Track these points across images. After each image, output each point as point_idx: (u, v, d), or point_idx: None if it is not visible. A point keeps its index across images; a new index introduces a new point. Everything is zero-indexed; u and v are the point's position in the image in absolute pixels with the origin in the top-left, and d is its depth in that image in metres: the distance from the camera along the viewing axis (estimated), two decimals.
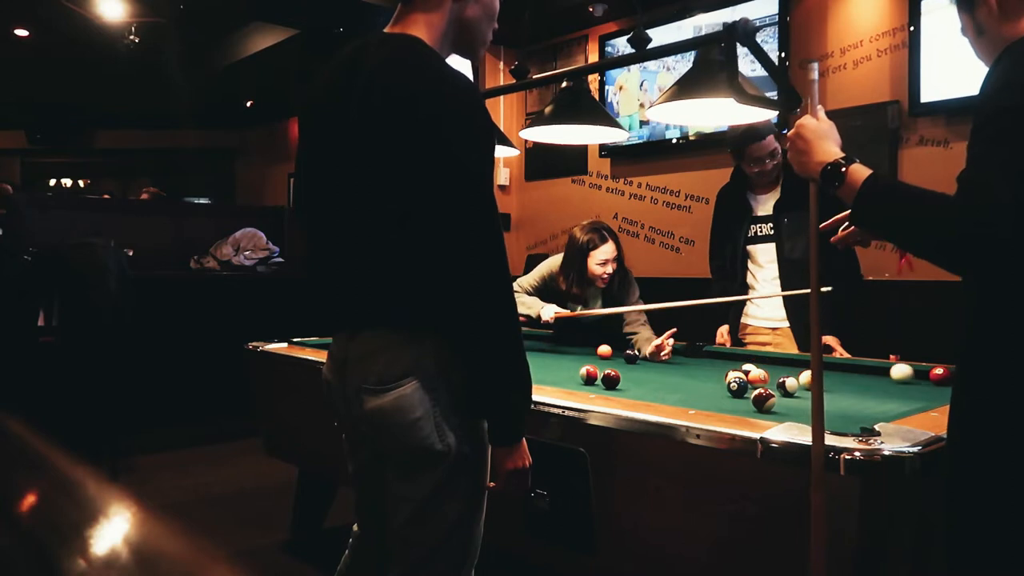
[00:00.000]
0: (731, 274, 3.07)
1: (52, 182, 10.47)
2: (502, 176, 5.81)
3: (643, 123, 4.96)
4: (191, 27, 5.95)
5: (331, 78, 1.46)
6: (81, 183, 10.62)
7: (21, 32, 6.39)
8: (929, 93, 3.60)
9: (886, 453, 1.31)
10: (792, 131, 1.39)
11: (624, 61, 4.03)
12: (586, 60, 5.28)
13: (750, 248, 3.02)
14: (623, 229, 4.98)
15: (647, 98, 4.89)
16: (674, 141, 4.78)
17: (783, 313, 2.97)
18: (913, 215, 1.19)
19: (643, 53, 2.45)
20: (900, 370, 2.29)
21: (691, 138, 4.69)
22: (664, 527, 1.60)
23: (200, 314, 4.94)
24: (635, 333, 2.95)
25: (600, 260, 2.95)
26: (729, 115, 2.46)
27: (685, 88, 2.31)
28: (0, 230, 4.19)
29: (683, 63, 4.48)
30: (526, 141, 4.82)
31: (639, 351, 2.83)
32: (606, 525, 1.70)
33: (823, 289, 2.63)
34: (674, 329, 2.81)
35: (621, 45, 4.96)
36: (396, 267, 1.36)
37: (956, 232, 1.12)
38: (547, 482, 1.76)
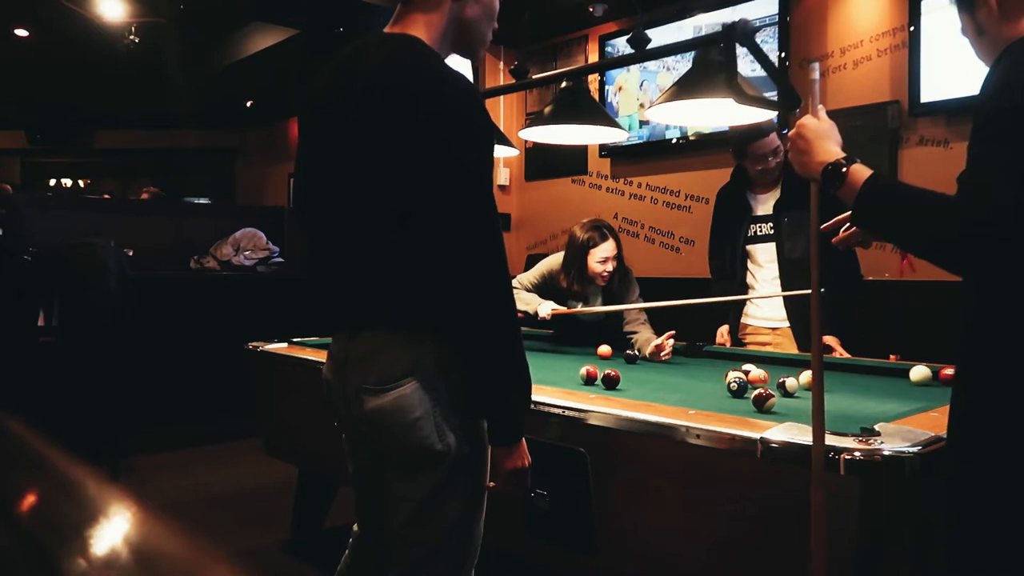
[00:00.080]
0: (731, 274, 3.07)
1: (52, 182, 10.47)
2: (502, 176, 5.81)
3: (643, 123, 4.96)
4: (191, 27, 5.95)
5: (331, 78, 1.46)
6: (81, 183, 10.62)
7: (21, 32, 6.39)
8: (929, 93, 3.60)
9: (886, 453, 1.31)
10: (793, 131, 1.39)
11: (624, 61, 4.03)
12: (586, 60, 5.28)
13: (750, 248, 3.02)
14: (623, 229, 4.98)
15: (647, 98, 4.89)
16: (674, 141, 4.78)
17: (783, 313, 2.97)
18: (913, 215, 1.19)
19: (643, 53, 2.45)
20: (919, 372, 2.26)
21: (691, 138, 4.69)
22: (664, 527, 1.60)
23: (200, 314, 4.94)
24: (635, 332, 2.95)
25: (600, 258, 2.96)
26: (728, 115, 2.46)
27: (684, 88, 2.32)
28: (0, 230, 4.19)
29: (683, 63, 4.48)
30: (526, 141, 4.82)
31: (639, 351, 2.84)
32: (606, 525, 1.70)
33: (804, 292, 2.65)
34: (673, 331, 2.81)
35: (621, 45, 4.96)
36: (396, 267, 1.36)
37: (956, 232, 1.12)
38: (547, 482, 1.76)
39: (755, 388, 1.89)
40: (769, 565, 1.45)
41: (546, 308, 3.00)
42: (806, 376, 2.03)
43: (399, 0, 1.47)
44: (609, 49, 5.10)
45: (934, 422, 1.52)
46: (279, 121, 8.74)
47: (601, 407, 1.73)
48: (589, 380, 2.23)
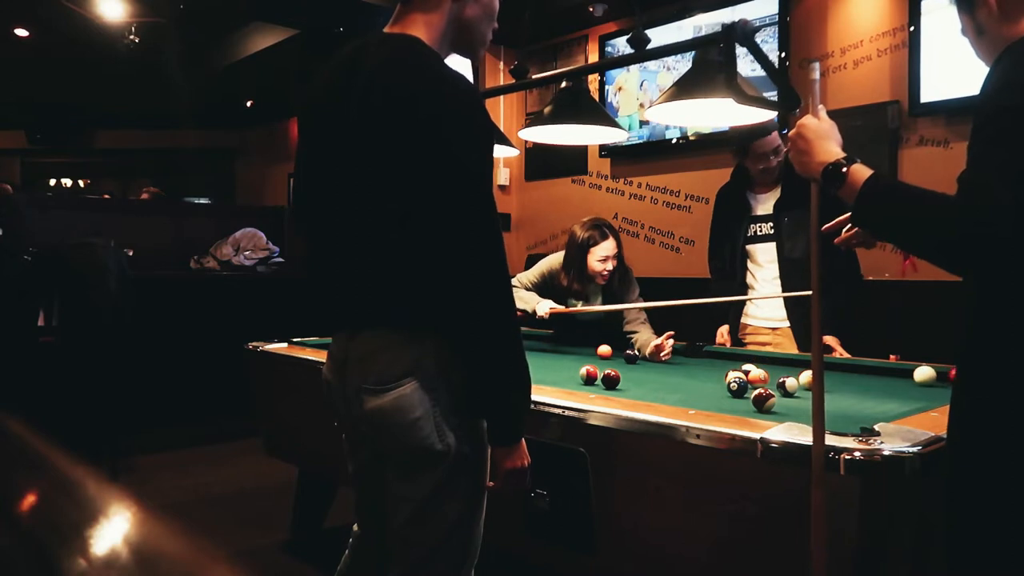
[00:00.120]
0: (730, 274, 3.07)
1: (52, 182, 10.47)
2: (502, 176, 5.81)
3: (643, 123, 4.96)
4: (191, 27, 5.95)
5: (331, 78, 1.46)
6: (81, 183, 10.62)
7: (21, 32, 6.39)
8: (929, 93, 3.60)
9: (886, 453, 1.31)
10: (793, 131, 1.39)
11: (624, 61, 4.03)
12: (586, 60, 5.28)
13: (749, 248, 3.02)
14: (623, 229, 4.97)
15: (647, 98, 4.89)
16: (674, 141, 4.78)
17: (783, 313, 2.97)
18: (913, 215, 1.19)
19: (642, 53, 2.44)
20: (923, 372, 2.24)
21: (691, 138, 4.69)
22: (664, 527, 1.60)
23: (200, 314, 4.94)
24: (635, 332, 2.95)
25: (600, 256, 2.96)
26: (728, 115, 2.46)
27: (684, 89, 2.32)
28: (0, 230, 4.18)
29: (683, 63, 4.48)
30: (526, 141, 4.82)
31: (639, 351, 2.84)
32: (606, 525, 1.70)
33: (805, 293, 2.65)
34: (672, 332, 2.81)
35: (621, 45, 4.96)
36: (396, 267, 1.36)
37: (956, 232, 1.12)
38: (547, 482, 1.76)
39: (755, 388, 1.89)
40: (769, 565, 1.45)
41: (544, 307, 3.00)
42: (806, 376, 2.03)
43: (399, 0, 1.47)
44: (609, 49, 5.10)
45: (934, 422, 1.52)
46: (279, 121, 8.74)
47: (601, 407, 1.73)
48: (589, 380, 2.23)
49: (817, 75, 1.46)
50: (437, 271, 1.33)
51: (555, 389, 1.96)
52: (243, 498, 3.69)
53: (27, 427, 0.71)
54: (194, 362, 4.80)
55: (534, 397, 1.44)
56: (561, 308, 3.03)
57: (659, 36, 4.09)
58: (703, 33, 4.41)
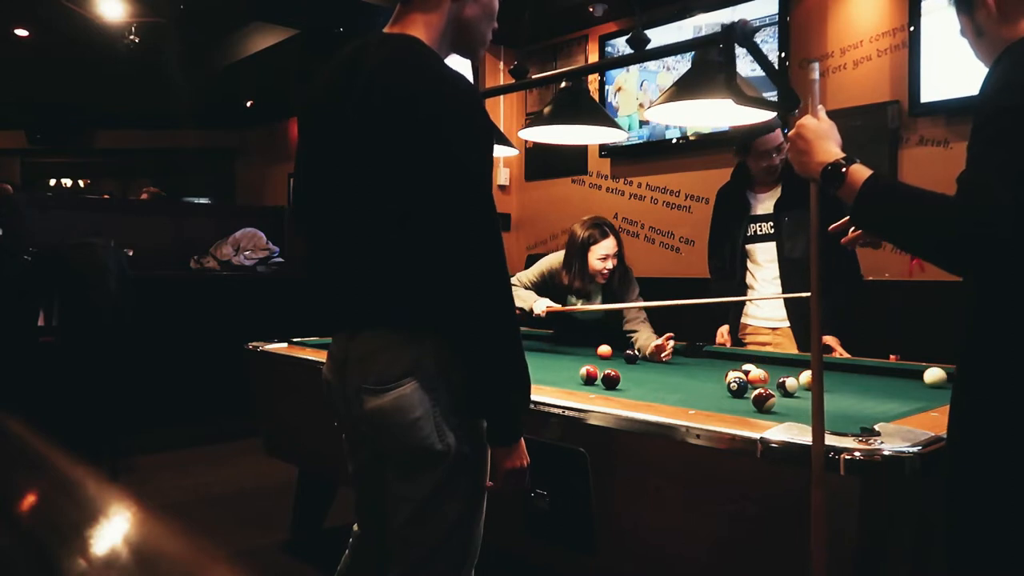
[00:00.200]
0: (730, 274, 3.07)
1: (52, 182, 10.47)
2: (502, 176, 5.81)
3: (643, 123, 4.96)
4: (191, 27, 5.95)
5: (331, 78, 1.46)
6: (81, 183, 10.62)
7: (21, 32, 6.39)
8: (929, 93, 3.60)
9: (886, 453, 1.31)
10: (793, 131, 1.40)
11: (624, 61, 4.03)
12: (586, 60, 5.28)
13: (749, 247, 3.02)
14: (623, 229, 4.97)
15: (647, 98, 4.89)
16: (674, 141, 4.78)
17: (783, 313, 2.97)
18: (913, 215, 1.19)
19: (642, 54, 2.44)
20: (933, 374, 2.20)
21: (691, 138, 4.69)
22: (664, 527, 1.60)
23: (200, 314, 4.94)
24: (635, 331, 2.95)
25: (600, 255, 2.96)
26: (728, 116, 2.46)
27: (683, 89, 2.32)
28: (0, 230, 4.18)
29: (683, 63, 4.48)
30: (526, 141, 4.82)
31: (639, 351, 2.83)
32: (606, 525, 1.70)
33: (804, 295, 2.65)
34: (671, 333, 2.81)
35: (621, 45, 4.96)
36: (396, 267, 1.36)
37: (956, 232, 1.12)
38: (547, 482, 1.77)
39: (755, 388, 1.89)
40: (769, 565, 1.45)
41: (541, 305, 3.00)
42: (806, 376, 2.03)
43: (399, 0, 1.47)
44: (609, 49, 5.10)
45: (934, 422, 1.52)
46: (279, 121, 8.74)
47: (601, 407, 1.73)
48: (589, 380, 2.23)
49: (816, 75, 1.46)
50: (437, 271, 1.33)
51: (555, 389, 1.96)
52: (243, 498, 3.69)
53: (27, 427, 0.71)
54: (194, 362, 4.80)
55: (534, 397, 1.44)
56: (558, 307, 3.03)
57: (659, 36, 4.09)
58: (703, 33, 4.41)
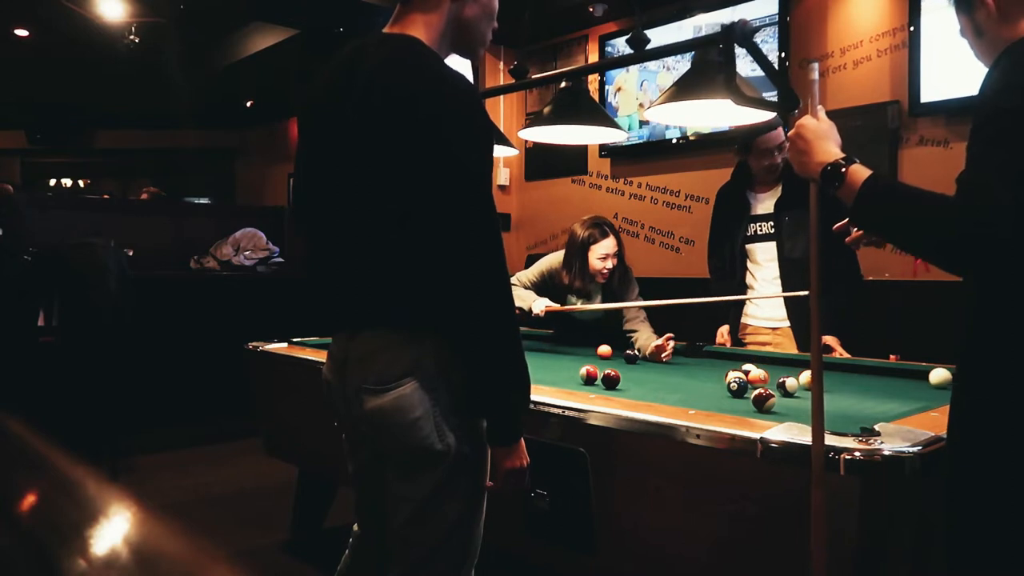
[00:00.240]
0: (730, 274, 3.07)
1: (52, 182, 10.46)
2: (502, 176, 5.81)
3: (643, 123, 4.95)
4: (191, 27, 5.95)
5: (330, 78, 1.46)
6: (81, 183, 10.62)
7: (21, 32, 6.39)
8: (929, 93, 3.60)
9: (886, 453, 1.31)
10: (792, 131, 1.40)
11: (624, 61, 4.03)
12: (586, 60, 5.28)
13: (749, 247, 3.02)
14: (623, 229, 4.97)
15: (647, 98, 4.89)
16: (674, 141, 4.78)
17: (783, 313, 2.97)
18: (913, 215, 1.19)
19: (642, 54, 2.44)
20: (939, 375, 2.17)
21: (691, 138, 4.69)
22: (664, 527, 1.60)
23: (200, 314, 4.94)
24: (635, 331, 2.95)
25: (600, 255, 2.96)
26: (727, 116, 2.46)
27: (683, 89, 2.32)
28: (0, 230, 4.19)
29: (683, 63, 4.48)
30: (526, 141, 4.82)
31: (639, 350, 2.83)
32: (606, 525, 1.70)
33: (802, 293, 2.65)
34: (671, 334, 2.81)
35: (621, 45, 4.96)
36: (396, 267, 1.36)
37: (956, 232, 1.12)
38: (547, 482, 1.77)
39: (755, 388, 1.89)
40: (769, 565, 1.45)
41: (540, 305, 3.00)
42: (806, 376, 2.03)
43: (398, 0, 1.47)
44: (609, 49, 5.10)
45: (934, 422, 1.52)
46: (279, 121, 8.74)
47: (601, 407, 1.73)
48: (589, 380, 2.23)
49: (816, 75, 1.46)
50: (437, 271, 1.33)
51: (555, 389, 1.96)
52: (243, 498, 3.69)
53: (27, 427, 0.71)
54: (194, 362, 4.80)
55: (534, 397, 1.44)
56: (557, 306, 3.03)
57: (659, 36, 4.09)
58: (703, 33, 4.41)
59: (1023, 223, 1.07)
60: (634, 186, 5.09)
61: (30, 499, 0.60)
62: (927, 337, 2.61)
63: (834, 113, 2.39)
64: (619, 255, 3.01)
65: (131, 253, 4.76)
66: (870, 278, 3.40)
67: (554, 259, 3.14)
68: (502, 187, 5.80)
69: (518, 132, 3.73)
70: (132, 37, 5.78)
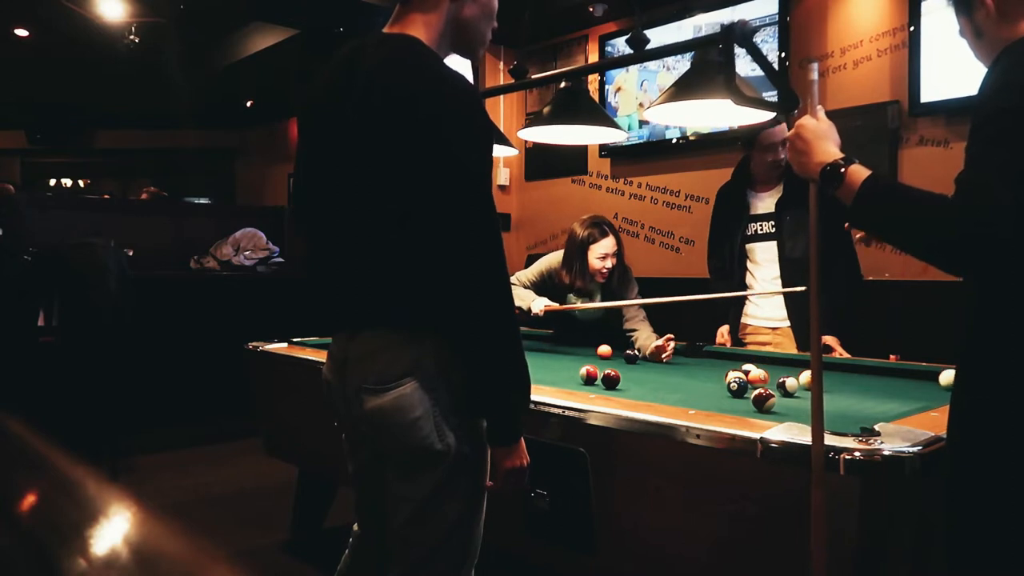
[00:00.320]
0: (729, 273, 3.07)
1: (52, 182, 10.47)
2: (502, 176, 5.81)
3: (643, 123, 4.95)
4: (191, 27, 5.95)
5: (330, 78, 1.46)
6: (81, 183, 10.62)
7: (21, 32, 6.39)
8: (929, 93, 3.60)
9: (886, 453, 1.31)
10: (792, 131, 1.40)
11: (624, 61, 4.03)
12: (586, 60, 5.28)
13: (749, 247, 3.02)
14: (623, 229, 4.97)
15: (647, 98, 4.89)
16: (674, 141, 4.78)
17: (783, 313, 2.97)
18: (912, 215, 1.19)
19: (642, 54, 2.45)
20: (949, 376, 2.08)
21: (691, 138, 4.69)
22: (664, 527, 1.60)
23: (200, 314, 4.94)
24: (635, 330, 2.95)
25: (600, 254, 2.96)
26: (727, 116, 2.46)
27: (683, 89, 2.32)
28: (0, 230, 4.19)
29: (683, 63, 4.48)
30: (526, 141, 4.82)
31: (639, 350, 2.83)
32: (606, 525, 1.70)
33: (799, 289, 2.64)
34: (671, 335, 2.81)
35: (621, 45, 4.96)
36: (396, 267, 1.36)
37: (956, 232, 1.12)
38: (547, 482, 1.77)
39: (755, 388, 1.89)
40: (769, 565, 1.45)
41: (539, 304, 3.00)
42: (806, 376, 2.03)
43: (398, 0, 1.47)
44: (609, 49, 5.10)
45: (934, 422, 1.52)
46: (279, 121, 8.74)
47: (601, 407, 1.73)
48: (589, 380, 2.23)
49: (815, 75, 1.46)
50: (437, 271, 1.33)
51: (555, 389, 1.96)
52: (243, 498, 3.69)
53: (27, 427, 0.71)
54: (194, 362, 4.80)
55: (534, 397, 1.44)
56: (556, 305, 3.03)
57: (659, 36, 4.09)
58: (703, 33, 4.42)
59: (1023, 223, 1.07)
60: (634, 186, 5.09)
61: (30, 499, 0.60)
62: (927, 337, 2.61)
63: (834, 113, 2.39)
64: (618, 254, 3.01)
65: (131, 253, 4.76)
66: (870, 278, 3.40)
67: (553, 259, 3.14)
68: (502, 187, 5.80)
69: (518, 132, 3.73)
70: (132, 37, 5.78)
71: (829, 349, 2.74)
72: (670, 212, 4.88)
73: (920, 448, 1.34)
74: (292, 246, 5.71)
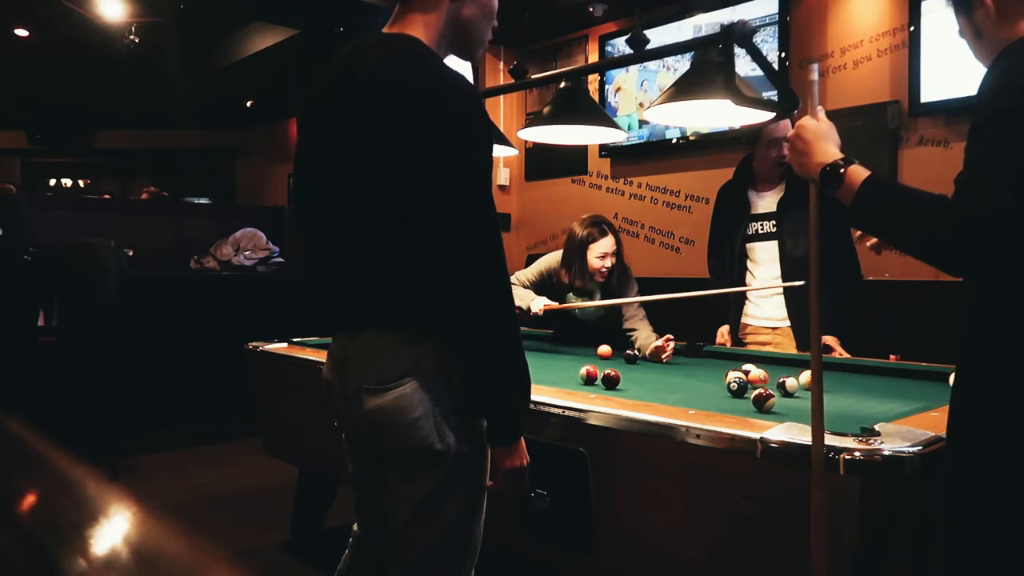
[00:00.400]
0: (728, 273, 3.07)
1: (52, 182, 10.47)
2: (502, 176, 5.81)
3: (643, 123, 4.95)
4: (191, 27, 5.95)
5: (330, 78, 1.46)
6: (81, 183, 10.62)
7: (21, 32, 6.39)
8: (929, 93, 3.60)
9: (886, 453, 1.31)
10: (792, 131, 1.40)
11: (624, 61, 4.03)
12: (586, 60, 5.28)
13: (749, 246, 3.02)
14: (623, 229, 4.97)
15: (647, 98, 4.89)
16: (674, 141, 4.78)
17: (783, 313, 2.96)
18: (912, 216, 1.19)
19: (642, 54, 2.45)
20: None
21: (691, 138, 4.69)
22: (664, 527, 1.61)
23: (200, 314, 4.94)
24: (634, 330, 2.95)
25: (599, 253, 2.96)
26: (727, 116, 2.46)
27: (682, 90, 2.32)
28: (0, 230, 4.19)
29: (683, 62, 4.48)
30: (526, 141, 4.82)
31: (639, 349, 2.83)
32: (606, 525, 1.70)
33: (798, 283, 2.64)
34: (670, 335, 2.81)
35: (621, 45, 4.96)
36: (396, 267, 1.36)
37: (956, 233, 1.12)
38: (547, 482, 1.77)
39: (755, 388, 1.89)
40: (769, 565, 1.45)
41: (539, 303, 3.00)
42: (806, 376, 2.03)
43: (398, 0, 1.47)
44: (609, 49, 5.10)
45: (934, 422, 1.52)
46: (279, 121, 8.74)
47: (601, 407, 1.73)
48: (589, 380, 2.23)
49: (815, 76, 1.46)
50: (437, 271, 1.33)
51: (555, 389, 1.96)
52: (243, 498, 3.69)
53: (27, 427, 0.71)
54: (194, 362, 4.80)
55: (534, 397, 1.44)
56: (555, 305, 3.03)
57: (659, 36, 4.09)
58: (703, 33, 4.42)
59: (1023, 223, 1.07)
60: (634, 186, 5.09)
61: (30, 499, 0.60)
62: (927, 337, 2.61)
63: (834, 113, 2.40)
64: (618, 254, 3.01)
65: (131, 253, 4.76)
66: (870, 278, 3.40)
67: (553, 258, 3.14)
68: (502, 187, 5.80)
69: (518, 132, 3.73)
70: (132, 37, 5.78)
71: (829, 349, 2.74)
72: (670, 212, 4.88)
73: (920, 448, 1.34)
74: (292, 246, 5.71)
